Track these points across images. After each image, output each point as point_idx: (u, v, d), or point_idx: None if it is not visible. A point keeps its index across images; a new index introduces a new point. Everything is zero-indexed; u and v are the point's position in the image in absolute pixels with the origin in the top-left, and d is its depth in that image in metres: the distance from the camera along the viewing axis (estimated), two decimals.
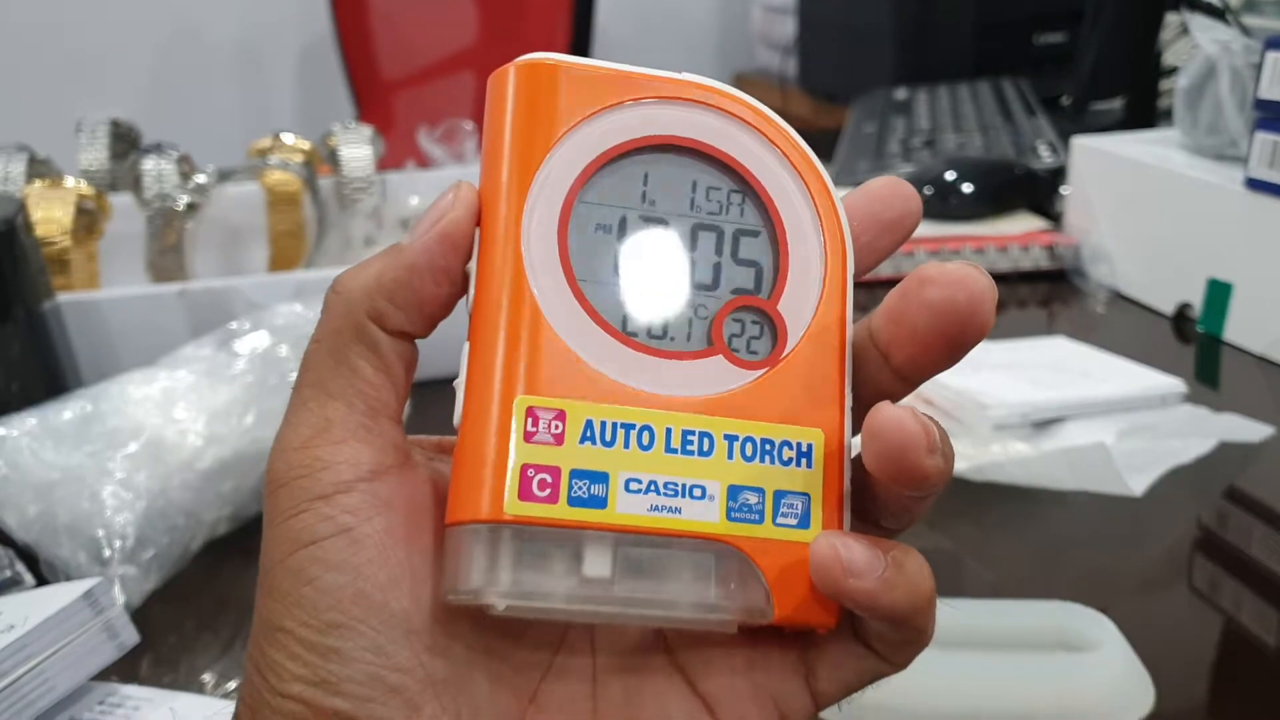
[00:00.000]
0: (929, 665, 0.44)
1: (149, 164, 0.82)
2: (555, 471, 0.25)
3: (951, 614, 0.47)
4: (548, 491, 0.25)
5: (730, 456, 0.26)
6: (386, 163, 0.96)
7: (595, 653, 0.28)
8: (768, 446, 0.26)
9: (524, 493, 0.25)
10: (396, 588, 0.26)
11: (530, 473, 0.25)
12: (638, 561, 0.25)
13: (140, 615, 0.53)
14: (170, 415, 0.58)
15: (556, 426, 0.25)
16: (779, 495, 0.26)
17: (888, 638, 0.27)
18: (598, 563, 0.25)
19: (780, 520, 0.26)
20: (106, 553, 0.53)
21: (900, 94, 1.42)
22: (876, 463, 0.25)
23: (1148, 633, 0.48)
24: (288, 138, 0.88)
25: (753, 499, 0.26)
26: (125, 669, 0.49)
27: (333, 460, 0.26)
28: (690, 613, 0.26)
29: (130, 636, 0.46)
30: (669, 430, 0.26)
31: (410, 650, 0.25)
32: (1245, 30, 0.90)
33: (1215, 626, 0.52)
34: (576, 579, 0.25)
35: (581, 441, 0.25)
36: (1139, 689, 0.45)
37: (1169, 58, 1.31)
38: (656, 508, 0.25)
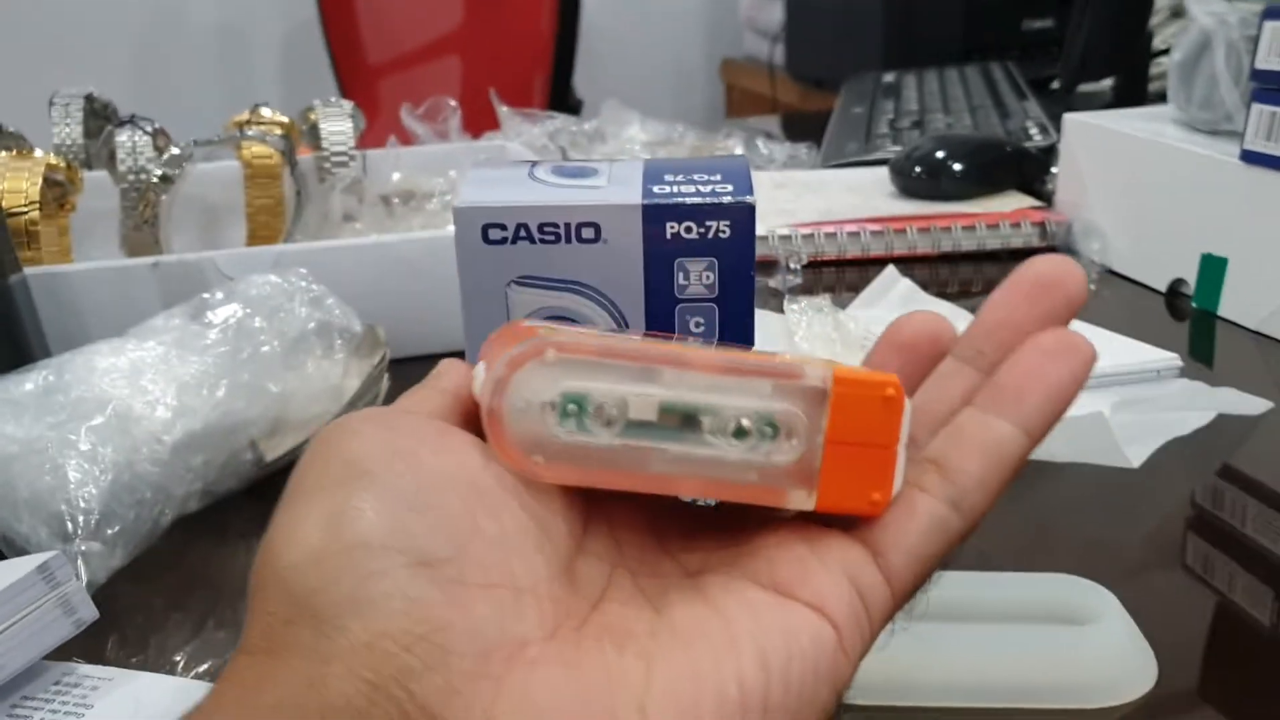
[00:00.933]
0: (927, 637, 0.43)
1: (123, 136, 0.80)
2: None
3: (947, 586, 0.46)
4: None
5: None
6: (370, 148, 0.94)
7: (641, 579, 0.28)
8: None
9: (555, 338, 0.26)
10: (444, 449, 0.26)
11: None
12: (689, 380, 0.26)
13: (106, 594, 0.51)
14: (138, 386, 0.56)
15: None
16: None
17: (970, 472, 0.27)
18: (645, 383, 0.25)
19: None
20: (69, 528, 0.51)
21: (888, 77, 1.41)
22: (1034, 286, 0.29)
23: (1147, 606, 0.47)
24: (266, 111, 0.86)
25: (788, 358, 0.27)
26: (89, 650, 0.47)
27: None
28: (747, 401, 0.25)
29: (89, 612, 0.44)
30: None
31: (454, 496, 0.25)
32: None
33: (1215, 601, 0.50)
34: (625, 381, 0.25)
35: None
36: (1141, 663, 0.44)
37: (1159, 41, 1.30)
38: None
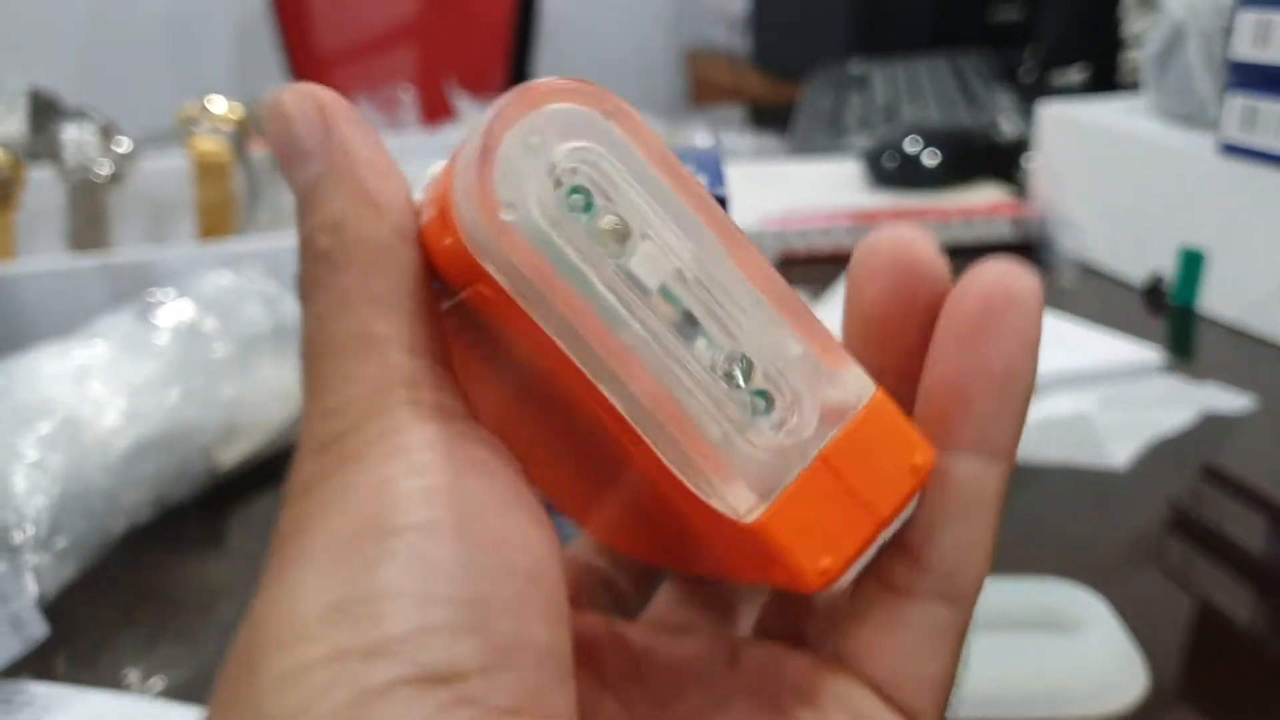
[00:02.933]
0: None
1: (70, 132, 0.77)
2: None
3: None
4: None
5: None
6: None
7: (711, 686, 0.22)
8: None
9: None
10: (512, 502, 0.19)
11: None
12: None
13: (56, 608, 0.49)
14: (86, 392, 0.53)
15: None
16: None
17: None
18: (681, 234, 0.19)
19: None
20: (17, 540, 0.49)
21: (856, 69, 1.40)
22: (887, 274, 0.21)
23: (1134, 608, 0.46)
24: (217, 105, 0.84)
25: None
26: (39, 665, 0.45)
27: None
28: (766, 345, 0.19)
29: (38, 629, 0.42)
30: None
31: (509, 581, 0.18)
32: None
33: (1203, 603, 0.49)
34: (657, 214, 0.19)
35: None
36: (1131, 669, 0.43)
37: (1129, 31, 1.29)
38: None
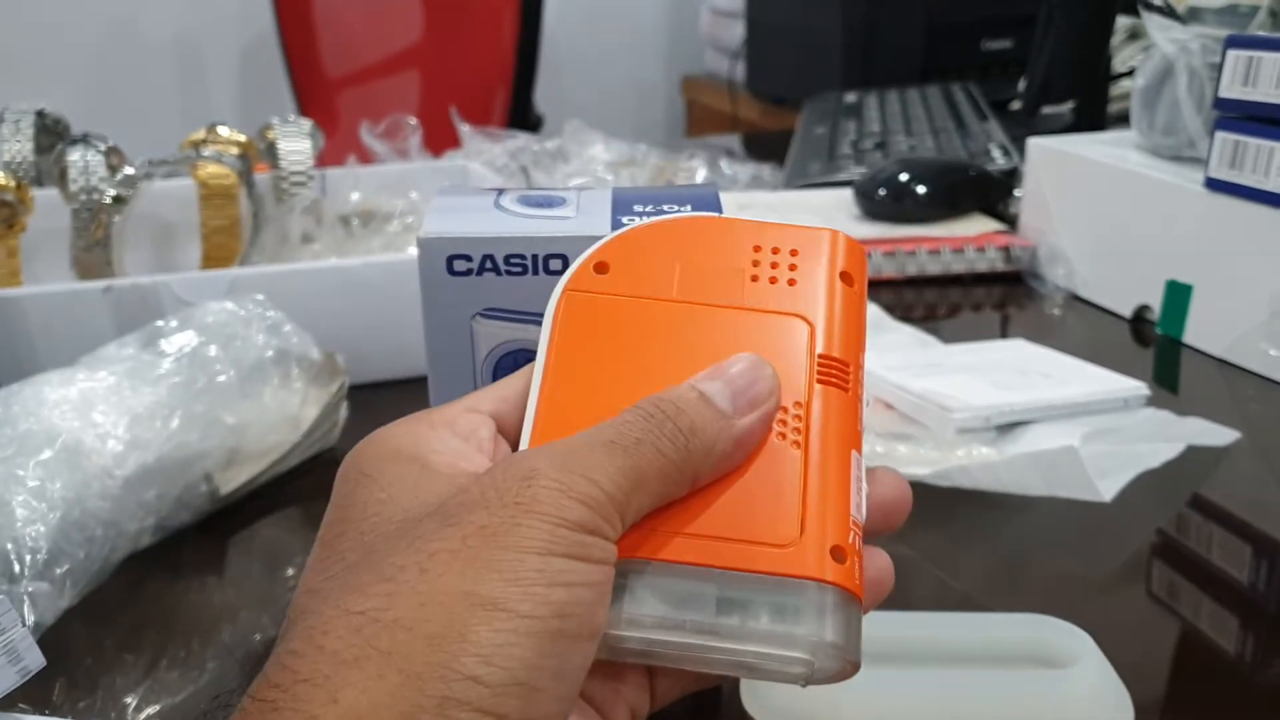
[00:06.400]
0: (896, 681, 0.43)
1: (75, 155, 0.78)
2: None
3: (919, 627, 0.45)
4: None
5: None
6: (328, 163, 0.92)
7: None
8: None
9: None
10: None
11: None
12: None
13: (54, 635, 0.49)
14: (89, 419, 0.54)
15: None
16: None
17: None
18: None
19: None
20: (16, 568, 0.49)
21: (850, 97, 1.41)
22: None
23: (1120, 643, 0.46)
24: (223, 130, 0.85)
25: None
26: (35, 695, 0.46)
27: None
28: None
29: (35, 660, 0.42)
30: None
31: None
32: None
33: (1190, 637, 0.50)
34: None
35: None
36: (1117, 706, 0.43)
37: (1118, 63, 1.30)
38: None
